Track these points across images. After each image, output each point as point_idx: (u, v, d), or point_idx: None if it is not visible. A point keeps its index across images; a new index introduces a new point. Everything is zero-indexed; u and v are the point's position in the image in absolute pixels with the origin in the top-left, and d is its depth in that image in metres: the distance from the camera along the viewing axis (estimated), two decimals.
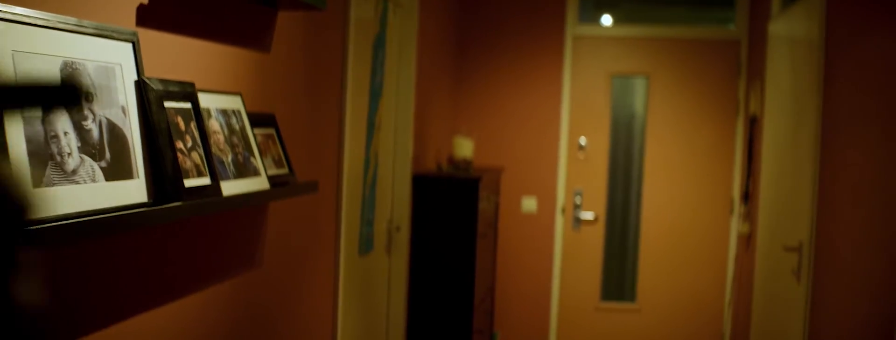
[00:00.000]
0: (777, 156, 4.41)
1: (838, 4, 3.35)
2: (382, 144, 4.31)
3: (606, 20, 6.50)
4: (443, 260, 4.87)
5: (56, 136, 1.58)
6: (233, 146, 2.36)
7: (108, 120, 1.75)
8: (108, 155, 1.72)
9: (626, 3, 6.78)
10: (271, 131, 2.71)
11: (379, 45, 4.06)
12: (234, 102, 2.43)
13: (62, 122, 1.61)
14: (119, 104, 1.80)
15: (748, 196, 5.35)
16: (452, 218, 4.86)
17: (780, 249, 4.11)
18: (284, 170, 2.74)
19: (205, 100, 2.23)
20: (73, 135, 1.62)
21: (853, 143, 3.05)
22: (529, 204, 6.18)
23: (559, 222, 6.17)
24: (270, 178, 2.56)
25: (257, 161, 2.48)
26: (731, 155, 6.09)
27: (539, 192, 6.13)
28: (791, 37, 4.20)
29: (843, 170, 3.17)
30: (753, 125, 5.28)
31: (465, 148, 5.40)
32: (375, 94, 4.04)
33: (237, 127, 2.41)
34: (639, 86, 6.26)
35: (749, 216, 5.29)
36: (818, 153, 3.50)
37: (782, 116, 4.32)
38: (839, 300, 3.15)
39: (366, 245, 4.02)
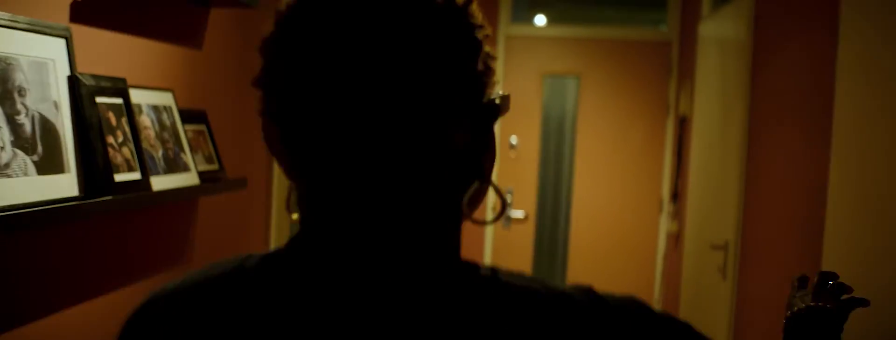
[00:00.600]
0: (705, 156, 4.52)
1: (766, 7, 3.45)
2: None
3: (540, 20, 6.59)
4: None
5: None
6: (163, 142, 2.39)
7: (40, 114, 1.77)
8: (40, 149, 1.75)
9: (560, 3, 6.88)
10: (202, 127, 2.75)
11: None
12: (165, 98, 2.47)
13: None
14: (51, 99, 1.82)
15: (677, 195, 5.48)
16: None
17: (707, 247, 4.22)
18: (215, 166, 2.77)
19: (136, 96, 2.26)
20: (6, 130, 1.65)
21: (778, 144, 3.16)
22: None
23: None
24: (201, 174, 2.59)
25: (188, 157, 2.52)
26: (660, 154, 6.22)
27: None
28: (720, 38, 4.31)
29: (767, 170, 3.27)
30: (683, 125, 5.40)
31: None
32: None
33: (168, 123, 2.45)
34: (570, 85, 6.36)
35: (678, 215, 5.41)
36: (745, 153, 3.61)
37: (711, 117, 4.42)
38: (763, 297, 3.26)
39: None
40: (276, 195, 3.61)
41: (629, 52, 6.23)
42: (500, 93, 0.97)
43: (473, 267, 0.93)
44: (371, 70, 0.84)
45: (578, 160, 6.30)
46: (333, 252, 0.91)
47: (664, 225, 6.14)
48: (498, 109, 0.96)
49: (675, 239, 5.52)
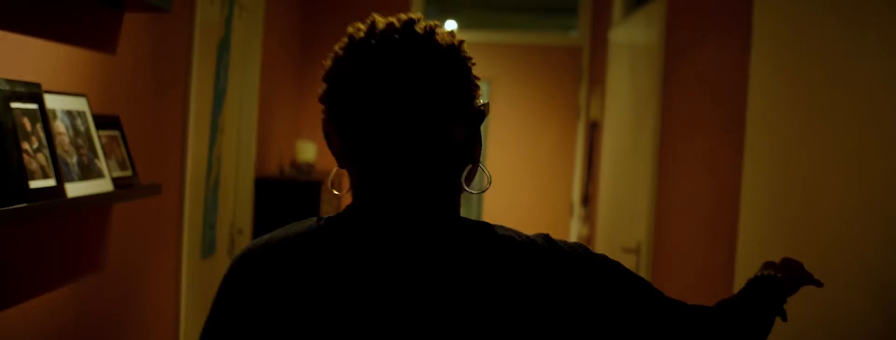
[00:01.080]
0: (616, 161, 4.59)
1: (678, 13, 3.52)
2: (226, 147, 4.30)
3: (451, 25, 6.63)
4: None
5: None
6: (77, 147, 2.34)
7: None
8: None
9: (469, 9, 6.93)
10: (116, 133, 2.70)
11: (224, 48, 4.06)
12: (79, 104, 2.42)
13: None
14: None
15: (588, 199, 5.56)
16: (295, 221, 4.88)
17: (618, 250, 4.29)
18: (128, 173, 2.72)
19: (51, 102, 2.22)
20: None
21: (690, 147, 3.23)
22: None
23: None
24: (114, 180, 2.55)
25: (101, 163, 2.47)
26: (571, 159, 6.31)
27: None
28: (631, 44, 4.38)
29: (680, 174, 3.34)
30: (594, 130, 5.48)
31: (307, 151, 5.43)
32: (219, 97, 4.03)
33: (82, 128, 2.40)
34: (482, 90, 6.40)
35: (589, 218, 5.49)
36: (657, 157, 3.67)
37: (622, 121, 4.49)
38: (677, 297, 3.32)
39: (208, 248, 4.01)
40: (189, 201, 3.56)
41: (540, 57, 6.30)
42: (483, 101, 1.43)
43: (467, 220, 1.38)
44: (399, 92, 1.31)
45: (489, 164, 6.35)
46: (378, 213, 1.36)
47: (575, 228, 6.22)
48: (483, 113, 1.42)
49: (586, 243, 5.60)
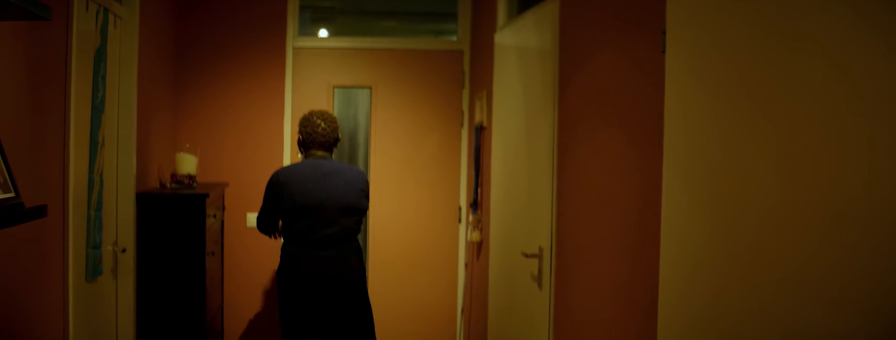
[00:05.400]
0: (509, 164, 4.52)
1: (573, 14, 3.48)
2: (107, 162, 4.08)
3: (323, 34, 6.51)
4: (171, 281, 4.68)
5: None
6: None
7: None
8: None
9: (343, 16, 6.82)
10: None
11: (100, 58, 3.84)
12: None
13: None
14: None
15: (477, 203, 5.49)
16: (180, 236, 4.68)
17: (516, 256, 4.22)
18: (11, 194, 2.52)
19: None
20: None
21: (593, 150, 3.18)
22: (255, 218, 6.06)
23: None
24: None
25: None
26: (457, 164, 6.24)
27: None
28: (520, 47, 4.31)
29: (583, 175, 3.30)
30: (480, 133, 5.42)
31: (188, 164, 5.22)
32: (98, 110, 3.81)
33: None
34: (363, 96, 6.29)
35: (479, 223, 5.43)
36: (555, 160, 3.62)
37: (513, 125, 4.43)
38: (583, 303, 3.28)
39: (93, 270, 3.78)
40: (73, 221, 3.34)
41: (420, 62, 6.23)
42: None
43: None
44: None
45: (373, 171, 6.25)
46: (315, 157, 4.71)
47: (463, 234, 6.16)
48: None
49: (478, 248, 5.54)
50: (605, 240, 3.03)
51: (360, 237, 5.47)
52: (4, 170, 2.51)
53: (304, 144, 4.66)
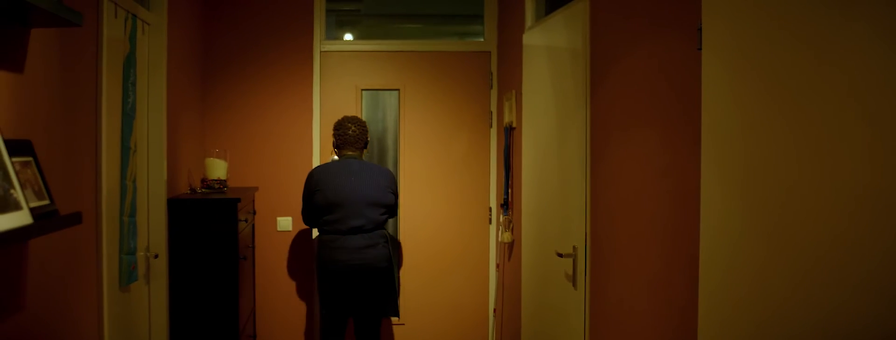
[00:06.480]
0: (539, 164, 4.49)
1: (604, 13, 3.45)
2: (138, 168, 4.08)
3: (348, 38, 6.50)
4: (204, 286, 4.67)
5: None
6: None
7: None
8: None
9: (367, 19, 6.81)
10: (29, 159, 2.49)
11: (129, 64, 3.84)
12: None
13: None
14: None
15: (508, 204, 5.46)
16: (212, 241, 4.68)
17: (549, 256, 4.19)
18: (46, 202, 2.52)
19: None
20: None
21: (627, 149, 3.15)
22: (285, 222, 6.06)
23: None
24: (32, 211, 2.34)
25: (18, 193, 2.26)
26: (487, 164, 6.21)
27: (295, 210, 6.01)
28: (550, 47, 4.27)
29: (618, 175, 3.27)
30: (509, 134, 5.39)
31: (218, 169, 5.22)
32: (129, 117, 3.81)
33: None
34: (391, 99, 6.28)
35: (511, 224, 5.40)
36: (589, 159, 3.59)
37: (543, 125, 4.40)
38: (619, 301, 3.25)
39: (128, 276, 3.78)
40: (106, 228, 3.34)
41: (447, 64, 6.20)
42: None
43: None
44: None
45: (403, 173, 6.23)
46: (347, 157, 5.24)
47: (494, 234, 6.13)
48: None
49: (509, 249, 5.51)
50: (641, 238, 3.00)
51: (392, 231, 5.90)
52: (39, 178, 2.51)
53: (338, 146, 5.20)
